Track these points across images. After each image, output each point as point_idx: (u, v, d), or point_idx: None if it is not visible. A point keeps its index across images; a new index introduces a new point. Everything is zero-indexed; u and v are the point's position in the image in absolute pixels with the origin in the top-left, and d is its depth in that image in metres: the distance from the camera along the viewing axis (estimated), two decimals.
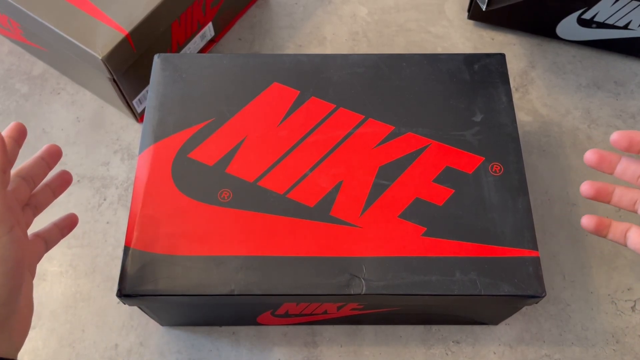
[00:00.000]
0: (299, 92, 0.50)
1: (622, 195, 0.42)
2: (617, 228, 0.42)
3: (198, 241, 0.44)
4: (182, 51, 0.64)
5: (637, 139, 0.39)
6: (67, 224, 0.43)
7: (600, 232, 0.42)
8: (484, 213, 0.45)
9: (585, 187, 0.42)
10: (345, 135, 0.48)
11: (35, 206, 0.41)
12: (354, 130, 0.49)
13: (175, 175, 0.46)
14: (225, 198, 0.46)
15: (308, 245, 0.44)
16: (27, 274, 0.36)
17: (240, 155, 0.48)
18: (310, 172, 0.47)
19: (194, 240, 0.44)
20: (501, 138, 0.48)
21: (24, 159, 0.62)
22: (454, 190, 0.46)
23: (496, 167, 0.47)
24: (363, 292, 0.42)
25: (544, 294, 0.42)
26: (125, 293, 0.42)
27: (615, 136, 0.40)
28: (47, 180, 0.42)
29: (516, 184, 0.46)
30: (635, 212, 0.42)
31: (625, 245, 0.42)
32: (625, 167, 0.41)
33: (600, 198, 0.42)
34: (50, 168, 0.42)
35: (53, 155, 0.42)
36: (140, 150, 0.48)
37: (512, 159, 0.47)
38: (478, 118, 0.49)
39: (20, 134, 0.40)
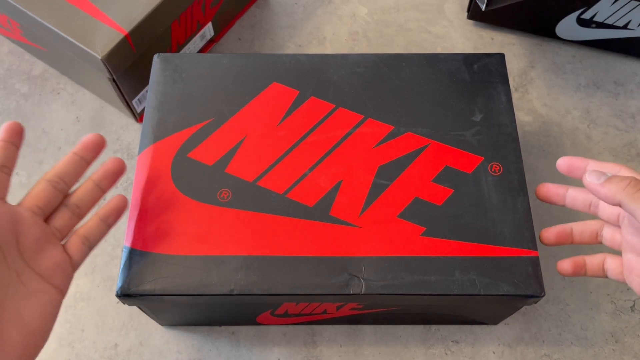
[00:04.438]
0: (298, 92, 0.51)
1: (581, 232, 0.42)
2: (592, 263, 0.42)
3: (197, 241, 0.44)
4: (182, 51, 0.64)
5: (577, 165, 0.41)
6: (113, 211, 0.40)
7: (578, 272, 0.42)
8: (484, 213, 0.45)
9: (545, 235, 0.43)
10: (344, 135, 0.48)
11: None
12: (354, 130, 0.49)
13: (175, 175, 0.47)
14: (225, 198, 0.46)
15: (307, 245, 0.44)
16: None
17: (240, 155, 0.48)
18: (310, 171, 0.47)
19: (194, 240, 0.44)
20: (501, 138, 0.48)
21: (24, 159, 0.62)
22: (453, 190, 0.46)
23: (495, 167, 0.47)
24: (362, 292, 0.42)
25: (543, 294, 0.42)
26: (125, 293, 0.42)
27: (559, 162, 0.42)
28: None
29: (516, 183, 0.46)
30: (600, 243, 0.42)
31: (606, 277, 0.42)
32: (573, 197, 0.42)
33: (562, 241, 0.43)
34: (88, 164, 0.39)
35: (88, 146, 0.39)
36: (140, 150, 0.48)
37: (511, 158, 0.47)
38: (477, 118, 0.49)
39: (15, 135, 0.37)
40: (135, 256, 0.43)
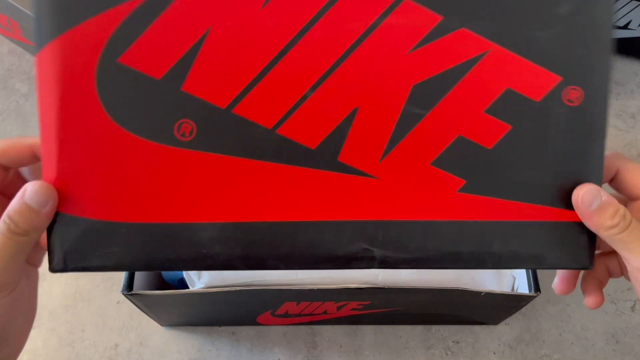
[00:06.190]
0: None
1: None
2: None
3: (154, 201, 0.31)
4: None
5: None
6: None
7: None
8: (546, 161, 0.33)
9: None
10: (365, 30, 0.30)
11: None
12: (380, 20, 0.30)
13: (105, 96, 0.29)
14: (186, 134, 0.30)
15: (307, 205, 0.32)
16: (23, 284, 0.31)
17: (203, 61, 0.29)
18: (312, 92, 0.30)
19: (149, 200, 0.31)
20: (591, 47, 0.31)
21: None
22: (511, 127, 0.32)
23: (574, 94, 0.32)
24: (376, 266, 0.33)
25: (590, 266, 0.34)
26: (61, 268, 0.31)
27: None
28: None
29: (595, 120, 0.32)
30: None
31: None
32: None
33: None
34: None
35: None
36: (38, 47, 0.29)
37: (597, 82, 0.32)
38: (564, 10, 0.31)
39: None
40: (67, 224, 0.30)
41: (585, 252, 0.33)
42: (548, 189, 0.33)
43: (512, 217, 0.33)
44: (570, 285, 0.36)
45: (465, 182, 0.32)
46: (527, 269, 0.35)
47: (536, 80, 0.32)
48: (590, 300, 0.36)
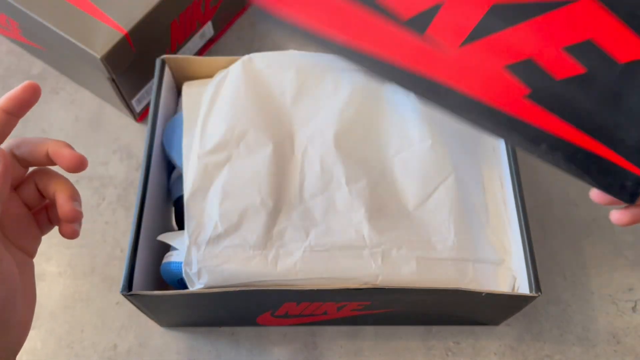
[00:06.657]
0: None
1: None
2: None
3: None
4: (181, 50, 0.64)
5: None
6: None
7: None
8: (611, 113, 0.33)
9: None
10: None
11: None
12: None
13: None
14: None
15: (395, 50, 0.36)
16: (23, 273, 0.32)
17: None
18: None
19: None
20: None
21: None
22: (585, 70, 0.33)
23: None
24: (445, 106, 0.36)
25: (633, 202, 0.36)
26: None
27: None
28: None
29: None
30: None
31: None
32: None
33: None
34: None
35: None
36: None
37: None
38: None
39: (18, 104, 0.31)
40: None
41: (626, 192, 0.34)
42: (612, 134, 0.33)
43: (569, 139, 0.34)
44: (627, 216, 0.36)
45: (531, 90, 0.34)
46: (568, 171, 0.35)
47: (625, 44, 0.32)
48: (618, 215, 0.37)
